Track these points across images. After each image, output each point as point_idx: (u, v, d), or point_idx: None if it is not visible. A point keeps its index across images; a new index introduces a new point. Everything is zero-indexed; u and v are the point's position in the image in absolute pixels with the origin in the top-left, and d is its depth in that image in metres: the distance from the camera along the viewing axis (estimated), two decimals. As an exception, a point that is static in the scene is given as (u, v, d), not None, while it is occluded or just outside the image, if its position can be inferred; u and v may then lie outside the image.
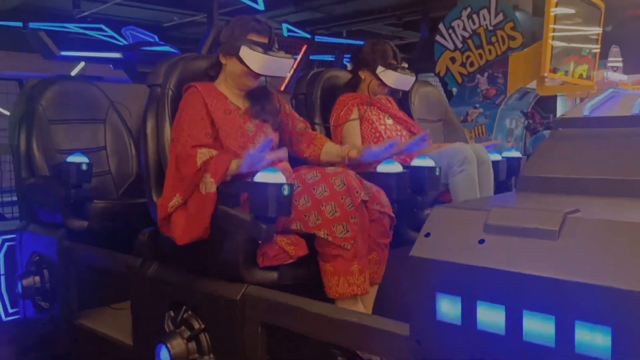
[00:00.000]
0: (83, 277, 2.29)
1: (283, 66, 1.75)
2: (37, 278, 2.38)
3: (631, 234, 0.87)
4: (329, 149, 1.96)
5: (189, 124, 1.69)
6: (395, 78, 2.28)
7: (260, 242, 1.53)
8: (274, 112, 1.87)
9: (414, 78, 2.37)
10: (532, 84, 4.30)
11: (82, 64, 5.92)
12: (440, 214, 1.06)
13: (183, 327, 1.65)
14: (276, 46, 1.75)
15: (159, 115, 1.84)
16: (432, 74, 5.10)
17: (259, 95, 1.86)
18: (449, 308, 0.99)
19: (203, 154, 1.60)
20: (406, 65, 2.35)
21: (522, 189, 1.27)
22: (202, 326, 1.62)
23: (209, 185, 1.57)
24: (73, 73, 5.57)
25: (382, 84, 2.29)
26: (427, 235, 1.03)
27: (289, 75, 5.17)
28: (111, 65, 3.70)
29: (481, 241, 0.96)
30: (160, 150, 1.81)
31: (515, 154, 2.37)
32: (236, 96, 1.84)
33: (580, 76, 4.25)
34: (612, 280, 0.83)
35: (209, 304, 1.61)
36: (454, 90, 4.87)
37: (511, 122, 4.81)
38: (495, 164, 2.18)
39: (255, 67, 1.70)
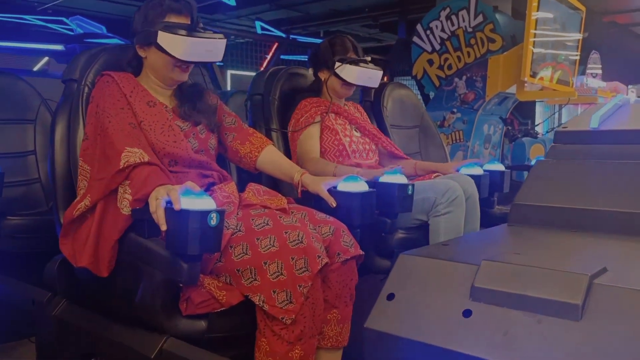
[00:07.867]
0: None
1: (213, 49, 1.40)
2: None
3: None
4: (273, 157, 1.61)
5: (111, 115, 1.36)
6: (357, 73, 1.95)
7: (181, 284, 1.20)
8: (208, 111, 1.54)
9: (380, 72, 2.03)
10: (511, 89, 4.12)
11: (46, 58, 5.52)
12: (408, 265, 0.75)
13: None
14: (201, 25, 1.42)
15: (71, 117, 1.50)
16: (409, 77, 4.89)
17: (189, 92, 1.54)
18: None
19: (132, 154, 1.25)
20: (369, 58, 2.02)
21: (516, 221, 0.98)
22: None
23: (125, 204, 1.23)
24: (35, 68, 5.14)
25: (345, 82, 1.97)
26: (390, 297, 0.72)
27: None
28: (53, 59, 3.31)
29: (466, 313, 0.66)
30: (71, 159, 1.47)
31: (499, 166, 2.09)
32: (161, 95, 1.51)
33: (560, 82, 4.09)
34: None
35: (122, 358, 1.27)
36: (431, 94, 4.66)
37: (489, 128, 4.65)
38: (476, 178, 1.91)
39: (178, 53, 1.37)
